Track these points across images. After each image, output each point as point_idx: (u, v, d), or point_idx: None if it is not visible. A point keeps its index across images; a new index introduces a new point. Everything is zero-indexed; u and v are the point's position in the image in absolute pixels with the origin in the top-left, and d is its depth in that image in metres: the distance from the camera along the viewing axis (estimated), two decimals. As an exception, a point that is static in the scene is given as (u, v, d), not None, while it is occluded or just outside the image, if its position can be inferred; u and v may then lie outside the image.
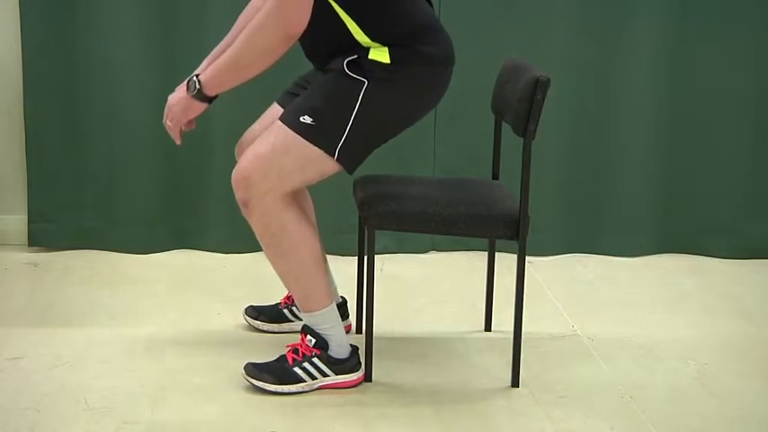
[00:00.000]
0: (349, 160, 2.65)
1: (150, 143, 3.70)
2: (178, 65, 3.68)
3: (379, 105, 2.63)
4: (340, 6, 2.60)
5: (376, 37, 2.61)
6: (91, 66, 3.65)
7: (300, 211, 2.68)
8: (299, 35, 2.55)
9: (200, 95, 2.64)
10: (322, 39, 2.66)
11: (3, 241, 3.80)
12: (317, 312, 2.73)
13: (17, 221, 3.81)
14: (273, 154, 2.60)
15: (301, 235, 2.65)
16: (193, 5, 3.63)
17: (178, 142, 2.75)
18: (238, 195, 2.63)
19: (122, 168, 3.72)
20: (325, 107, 2.62)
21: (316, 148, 2.61)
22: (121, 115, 3.68)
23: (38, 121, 3.68)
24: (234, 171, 2.64)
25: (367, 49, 2.62)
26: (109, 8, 3.60)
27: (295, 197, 2.69)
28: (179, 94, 2.70)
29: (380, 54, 2.61)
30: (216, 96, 2.67)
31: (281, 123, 2.64)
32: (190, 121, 2.74)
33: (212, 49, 3.63)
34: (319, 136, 2.61)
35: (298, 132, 2.60)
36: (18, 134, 3.74)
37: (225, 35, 3.59)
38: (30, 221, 3.76)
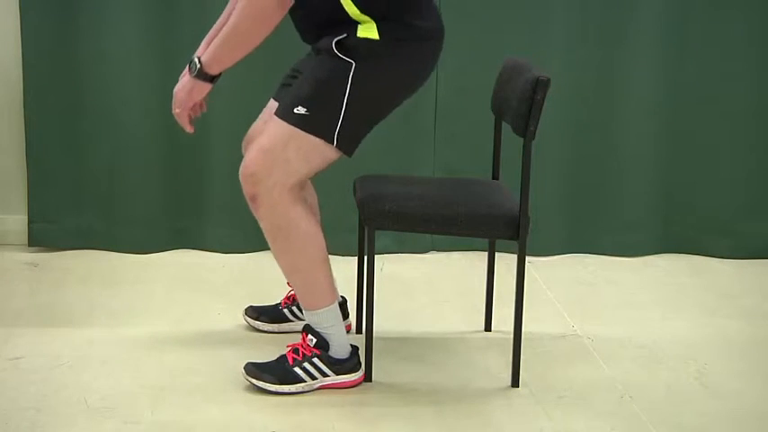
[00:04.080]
0: (348, 144, 2.65)
1: (150, 143, 3.71)
2: (178, 65, 3.67)
3: (370, 84, 2.62)
4: None
5: (365, 8, 2.60)
6: (91, 66, 3.65)
7: (307, 207, 2.69)
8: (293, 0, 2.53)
9: (201, 75, 2.63)
10: (313, 11, 2.65)
11: (3, 241, 3.80)
12: (319, 310, 2.73)
13: (17, 221, 3.81)
14: (276, 147, 2.60)
15: (308, 231, 2.66)
16: (193, 6, 3.63)
17: (189, 129, 2.73)
18: (246, 190, 2.63)
19: (122, 168, 3.72)
20: (317, 95, 2.62)
21: (313, 137, 2.61)
22: (121, 115, 3.69)
23: (38, 121, 3.68)
24: (241, 167, 2.64)
25: (356, 26, 2.61)
26: (109, 8, 3.60)
27: (302, 192, 2.69)
28: (182, 82, 2.69)
29: (369, 30, 2.60)
30: (219, 75, 2.65)
31: (277, 118, 2.64)
32: (199, 105, 2.72)
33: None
34: (315, 125, 2.61)
35: (294, 124, 2.61)
36: (18, 134, 3.74)
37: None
38: (30, 221, 3.76)
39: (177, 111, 2.70)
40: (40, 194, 3.74)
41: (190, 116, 2.73)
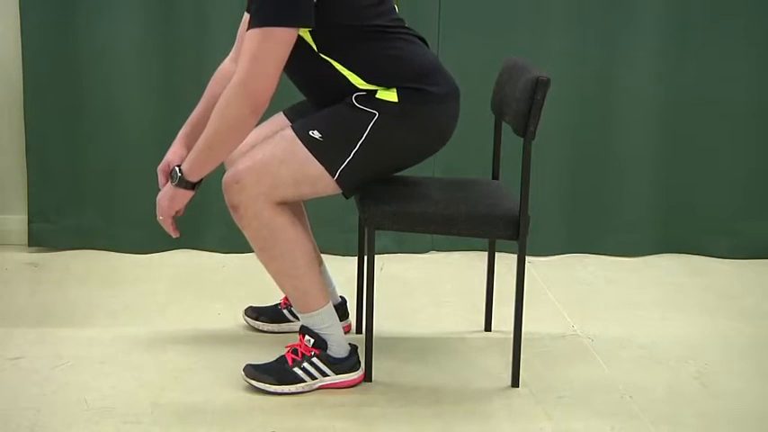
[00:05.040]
0: (348, 184, 2.66)
1: (150, 143, 3.70)
2: (178, 64, 3.69)
3: (387, 137, 2.64)
4: (335, 60, 2.62)
5: (370, 79, 2.63)
6: (91, 65, 3.65)
7: (292, 215, 2.67)
8: (268, 102, 2.51)
9: (183, 183, 2.60)
10: (318, 88, 2.68)
11: (3, 241, 3.80)
12: (313, 313, 2.73)
13: (17, 221, 3.81)
14: (272, 161, 2.59)
15: (293, 237, 2.64)
16: (193, 7, 3.63)
17: (175, 235, 2.69)
18: (228, 198, 2.61)
19: (122, 168, 3.72)
20: (335, 128, 2.63)
21: (318, 164, 2.61)
22: (121, 115, 3.69)
23: (38, 121, 3.68)
24: (226, 175, 2.62)
25: (373, 90, 2.63)
26: (109, 8, 3.59)
27: (286, 203, 2.67)
28: (164, 191, 2.66)
29: (389, 94, 2.63)
30: (200, 182, 2.63)
31: (290, 132, 2.63)
32: (183, 210, 2.70)
33: (212, 50, 3.66)
34: (324, 153, 2.61)
35: (305, 144, 2.60)
36: (18, 134, 3.74)
37: (225, 36, 3.60)
38: (30, 221, 3.76)
39: (161, 218, 2.67)
40: (40, 194, 3.74)
41: (174, 221, 2.69)
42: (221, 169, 3.67)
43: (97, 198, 3.75)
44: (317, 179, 2.63)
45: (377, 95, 2.63)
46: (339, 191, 2.68)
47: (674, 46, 3.79)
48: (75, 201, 3.75)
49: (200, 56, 3.67)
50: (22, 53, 3.64)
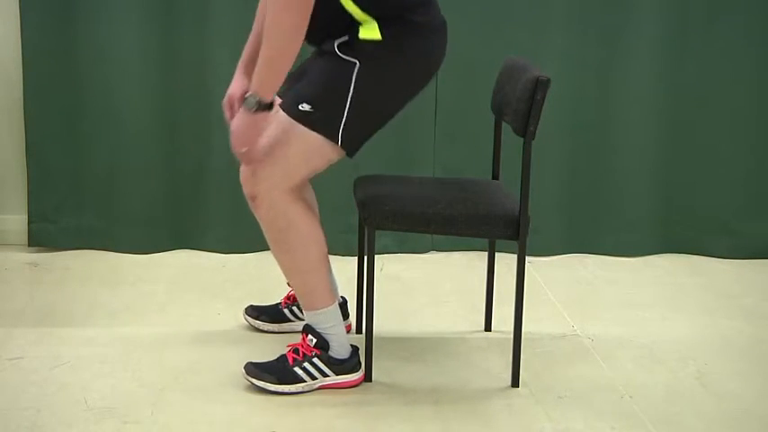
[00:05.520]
0: (350, 143, 2.65)
1: (150, 143, 3.71)
2: (178, 65, 3.69)
3: (374, 84, 2.62)
4: None
5: (365, 7, 2.59)
6: (91, 66, 3.65)
7: (307, 206, 2.69)
8: (313, 1, 2.49)
9: (262, 106, 2.55)
10: (316, 13, 2.64)
11: (3, 241, 3.80)
12: (319, 311, 2.73)
13: (17, 221, 3.81)
14: (277, 146, 2.60)
15: (308, 230, 2.66)
16: (193, 6, 3.63)
17: (260, 160, 2.61)
18: (246, 190, 2.63)
19: (122, 168, 3.72)
20: (321, 93, 2.62)
21: (316, 134, 2.61)
22: (121, 115, 3.69)
23: (38, 121, 3.68)
24: (242, 168, 2.64)
25: (357, 27, 2.61)
26: (109, 8, 3.60)
27: (301, 192, 2.69)
28: (240, 120, 2.57)
29: (370, 31, 2.60)
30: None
31: (282, 115, 2.63)
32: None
33: (212, 50, 3.66)
34: (319, 122, 2.60)
35: (297, 120, 2.61)
36: (18, 134, 3.74)
37: (225, 36, 3.62)
38: (30, 221, 3.76)
39: (244, 150, 2.58)
40: (40, 194, 3.74)
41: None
42: (221, 169, 3.70)
43: (97, 198, 3.75)
44: (322, 149, 2.63)
45: (360, 36, 2.60)
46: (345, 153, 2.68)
47: (674, 46, 3.79)
48: (76, 201, 3.75)
49: (200, 56, 3.67)
50: (22, 53, 3.64)
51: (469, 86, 3.72)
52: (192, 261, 3.73)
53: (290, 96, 2.67)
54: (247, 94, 2.56)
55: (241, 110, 2.55)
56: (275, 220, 2.63)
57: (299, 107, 2.61)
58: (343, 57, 2.60)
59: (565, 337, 3.17)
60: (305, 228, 2.65)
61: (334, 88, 2.61)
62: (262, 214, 2.64)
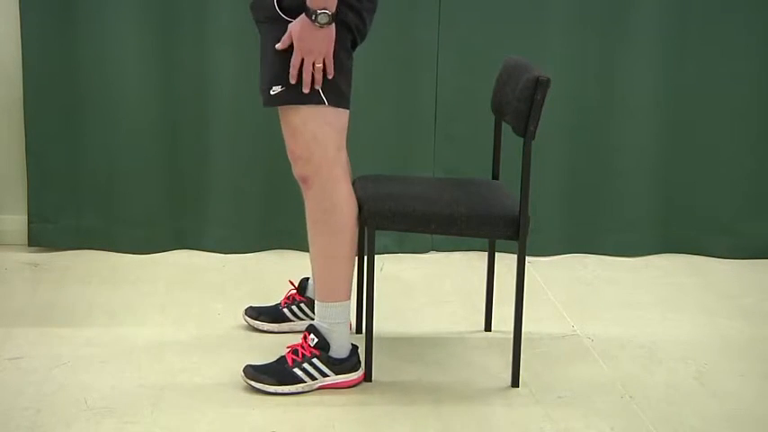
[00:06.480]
0: (337, 98, 2.62)
1: (150, 143, 3.71)
2: (178, 65, 3.68)
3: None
4: None
5: None
6: (91, 66, 3.65)
7: (352, 191, 2.72)
8: None
9: (331, 18, 2.51)
10: None
11: (3, 241, 3.80)
12: (335, 303, 2.73)
13: (17, 221, 3.80)
14: (297, 130, 2.63)
15: (349, 217, 2.69)
16: (193, 6, 3.63)
17: (330, 74, 2.59)
18: (296, 172, 2.67)
19: (122, 168, 3.72)
20: (280, 67, 2.59)
21: (306, 106, 2.60)
22: (121, 115, 3.68)
23: (38, 121, 3.68)
24: (288, 152, 2.68)
25: None
26: (109, 8, 3.59)
27: (347, 164, 2.71)
28: (311, 34, 2.52)
29: None
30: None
31: (273, 105, 2.64)
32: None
33: (212, 50, 3.66)
34: (301, 96, 2.59)
35: (284, 104, 2.61)
36: (18, 134, 3.74)
37: (225, 36, 3.62)
38: (30, 221, 3.76)
39: (319, 64, 2.56)
40: (40, 194, 3.74)
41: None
42: (221, 170, 3.70)
43: (97, 198, 3.75)
44: (324, 115, 2.62)
45: None
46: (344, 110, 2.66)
47: (674, 46, 3.79)
48: (75, 201, 3.75)
49: (200, 56, 3.67)
50: (22, 53, 3.64)
51: (469, 87, 3.72)
52: (192, 261, 3.73)
53: (261, 89, 2.66)
54: (314, 10, 2.49)
55: (309, 30, 2.51)
56: (321, 200, 2.66)
57: (272, 92, 2.61)
58: (284, 18, 2.57)
59: (565, 337, 3.17)
60: (347, 213, 2.68)
61: (288, 55, 2.57)
62: (311, 194, 2.67)
